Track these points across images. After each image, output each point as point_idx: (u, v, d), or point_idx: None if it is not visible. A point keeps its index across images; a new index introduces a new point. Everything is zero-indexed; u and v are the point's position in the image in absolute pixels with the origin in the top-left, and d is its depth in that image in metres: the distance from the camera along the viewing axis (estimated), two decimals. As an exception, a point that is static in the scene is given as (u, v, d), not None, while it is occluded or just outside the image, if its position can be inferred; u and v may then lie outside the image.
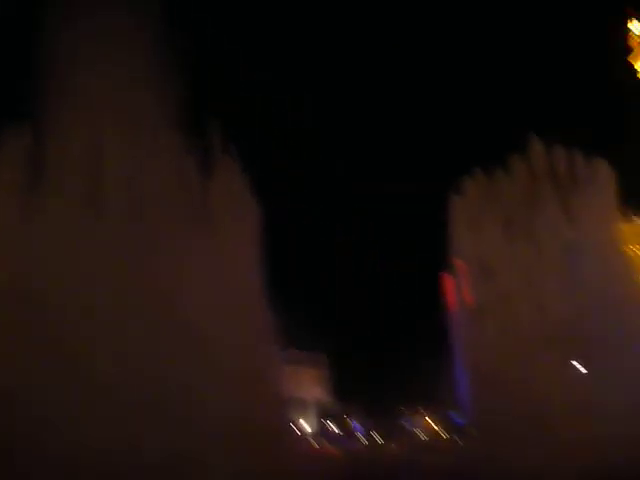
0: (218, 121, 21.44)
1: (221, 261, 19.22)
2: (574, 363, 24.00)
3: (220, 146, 20.97)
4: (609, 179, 26.99)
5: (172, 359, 16.58)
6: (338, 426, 77.57)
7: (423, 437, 74.10)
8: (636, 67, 75.05)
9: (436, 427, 74.94)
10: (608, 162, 27.76)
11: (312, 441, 78.47)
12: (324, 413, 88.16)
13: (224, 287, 19.11)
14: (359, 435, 78.39)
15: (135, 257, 17.00)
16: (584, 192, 25.89)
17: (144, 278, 17.04)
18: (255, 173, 21.56)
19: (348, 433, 77.00)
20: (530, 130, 31.87)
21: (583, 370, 24.38)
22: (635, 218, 59.99)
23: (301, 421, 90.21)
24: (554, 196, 27.25)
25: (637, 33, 75.93)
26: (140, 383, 15.24)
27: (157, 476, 13.52)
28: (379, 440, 73.18)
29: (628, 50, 70.58)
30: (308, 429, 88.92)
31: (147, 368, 15.72)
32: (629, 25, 73.70)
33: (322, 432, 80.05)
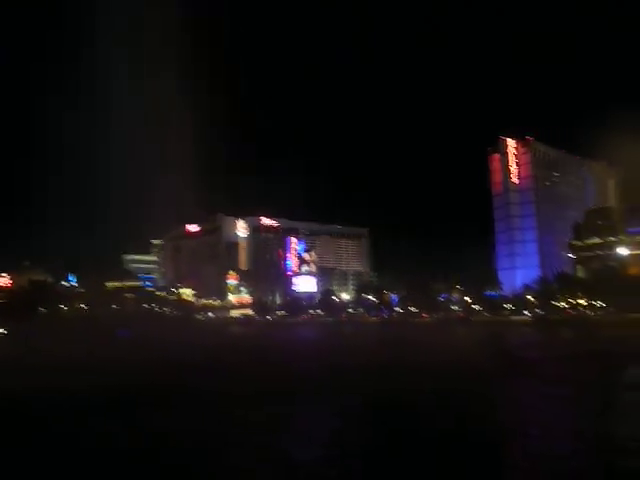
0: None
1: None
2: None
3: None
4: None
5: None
6: (376, 298, 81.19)
7: (457, 309, 77.05)
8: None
9: (470, 301, 77.48)
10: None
11: (350, 310, 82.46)
12: (363, 285, 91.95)
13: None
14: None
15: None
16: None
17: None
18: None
19: (386, 304, 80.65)
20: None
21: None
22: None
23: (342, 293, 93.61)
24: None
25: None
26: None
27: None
28: (415, 310, 76.53)
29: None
30: (348, 298, 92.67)
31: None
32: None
33: (360, 302, 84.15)
